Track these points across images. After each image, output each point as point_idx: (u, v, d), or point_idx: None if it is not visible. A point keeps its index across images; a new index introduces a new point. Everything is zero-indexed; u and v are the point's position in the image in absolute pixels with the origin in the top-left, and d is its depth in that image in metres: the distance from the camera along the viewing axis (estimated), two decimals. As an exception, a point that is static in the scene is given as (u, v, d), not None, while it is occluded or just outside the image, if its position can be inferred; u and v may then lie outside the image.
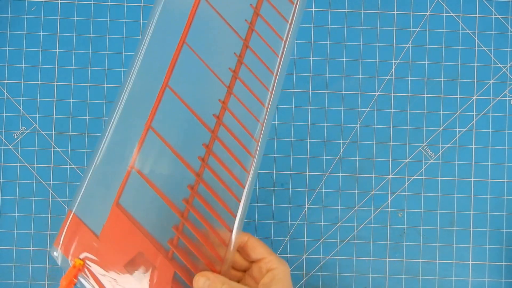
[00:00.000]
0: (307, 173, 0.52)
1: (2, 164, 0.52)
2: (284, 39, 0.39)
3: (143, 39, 0.38)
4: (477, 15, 0.52)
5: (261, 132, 0.39)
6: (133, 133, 0.38)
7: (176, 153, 0.38)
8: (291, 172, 0.52)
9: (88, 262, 0.38)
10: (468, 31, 0.52)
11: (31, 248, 0.51)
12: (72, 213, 0.38)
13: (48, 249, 0.51)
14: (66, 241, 0.38)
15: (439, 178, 0.52)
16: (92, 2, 0.52)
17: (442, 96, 0.52)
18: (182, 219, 0.38)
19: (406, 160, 0.52)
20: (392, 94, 0.52)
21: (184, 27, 0.38)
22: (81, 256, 0.38)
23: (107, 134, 0.38)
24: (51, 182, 0.52)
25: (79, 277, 0.38)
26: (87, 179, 0.38)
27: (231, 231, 0.39)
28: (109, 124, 0.38)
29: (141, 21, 0.52)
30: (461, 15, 0.52)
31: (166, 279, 0.38)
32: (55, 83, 0.52)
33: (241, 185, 0.39)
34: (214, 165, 0.39)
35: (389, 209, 0.52)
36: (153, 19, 0.38)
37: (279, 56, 0.39)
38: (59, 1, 0.52)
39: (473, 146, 0.52)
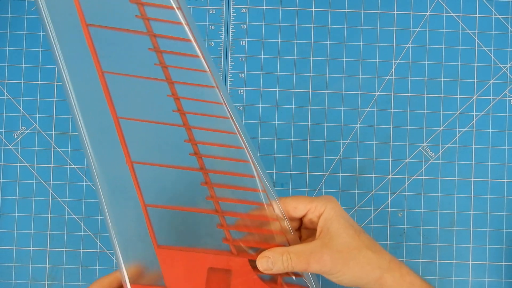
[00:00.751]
0: (307, 173, 0.52)
1: (2, 164, 0.52)
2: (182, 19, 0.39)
3: (60, 71, 0.38)
4: (477, 15, 0.52)
5: (221, 94, 0.39)
6: (123, 175, 0.38)
7: (173, 166, 0.39)
8: (291, 172, 0.52)
9: None
10: (468, 31, 0.52)
11: (31, 248, 0.51)
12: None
13: (48, 249, 0.51)
14: None
15: (439, 178, 0.52)
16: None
17: (442, 96, 0.52)
18: (219, 214, 0.39)
19: (406, 160, 0.52)
20: (392, 94, 0.52)
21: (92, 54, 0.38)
22: None
23: (99, 187, 0.38)
24: (51, 182, 0.52)
25: None
26: (117, 247, 0.38)
27: (270, 204, 0.39)
28: (94, 171, 0.38)
29: (141, 21, 0.52)
30: (461, 15, 0.52)
31: (246, 271, 0.39)
32: (55, 83, 0.52)
33: (244, 161, 0.39)
34: (207, 152, 0.39)
35: (389, 209, 0.52)
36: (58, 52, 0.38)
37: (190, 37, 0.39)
38: (59, 1, 0.52)
39: (473, 146, 0.52)
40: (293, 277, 0.40)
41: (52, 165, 0.52)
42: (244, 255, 0.39)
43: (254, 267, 0.39)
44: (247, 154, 0.39)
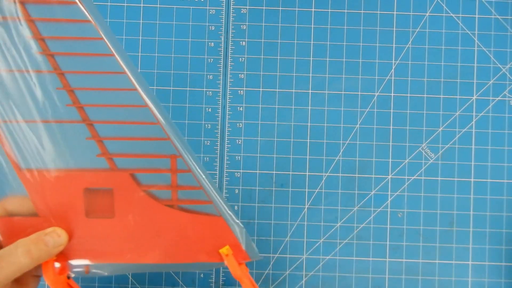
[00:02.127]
0: (307, 173, 0.52)
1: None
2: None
3: None
4: (476, 16, 0.52)
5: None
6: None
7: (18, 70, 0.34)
8: (291, 172, 0.52)
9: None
10: (467, 31, 0.52)
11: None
12: None
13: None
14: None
15: (439, 178, 0.52)
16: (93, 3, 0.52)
17: (442, 96, 0.52)
18: (86, 123, 0.35)
19: (406, 160, 0.52)
20: (392, 94, 0.52)
21: None
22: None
23: None
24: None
25: (70, 273, 0.36)
26: None
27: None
28: None
29: (141, 21, 0.52)
30: (460, 15, 0.53)
31: (130, 187, 0.35)
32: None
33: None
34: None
35: (389, 209, 0.52)
36: None
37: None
38: (59, 1, 0.52)
39: (473, 147, 0.52)
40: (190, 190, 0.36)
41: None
42: (125, 170, 0.35)
43: (140, 184, 0.35)
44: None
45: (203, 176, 0.36)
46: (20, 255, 0.32)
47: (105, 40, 0.35)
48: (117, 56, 0.35)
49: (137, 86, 0.35)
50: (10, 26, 0.34)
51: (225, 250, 0.36)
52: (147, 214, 0.35)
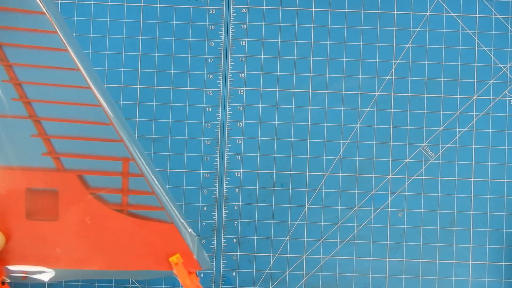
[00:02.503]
0: (307, 173, 0.52)
1: None
2: None
3: None
4: (477, 15, 0.52)
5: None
6: None
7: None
8: (291, 172, 0.52)
9: None
10: (468, 31, 0.52)
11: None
12: None
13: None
14: None
15: (439, 178, 0.52)
16: (92, 2, 0.52)
17: (442, 96, 0.52)
18: (33, 119, 0.32)
19: (406, 160, 0.52)
20: (392, 94, 0.52)
21: None
22: None
23: None
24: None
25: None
26: None
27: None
28: None
29: (141, 21, 0.52)
30: (461, 15, 0.52)
31: (77, 189, 0.32)
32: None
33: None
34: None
35: (389, 209, 0.52)
36: None
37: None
38: (59, 1, 0.52)
39: (473, 146, 0.52)
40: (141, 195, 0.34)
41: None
42: (72, 170, 0.32)
43: (89, 186, 0.33)
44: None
45: (156, 181, 0.34)
46: None
47: (59, 33, 0.32)
48: (70, 51, 0.32)
49: (90, 84, 0.33)
50: None
51: (175, 259, 0.34)
52: (93, 218, 0.33)
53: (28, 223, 0.33)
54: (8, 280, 0.33)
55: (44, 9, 0.32)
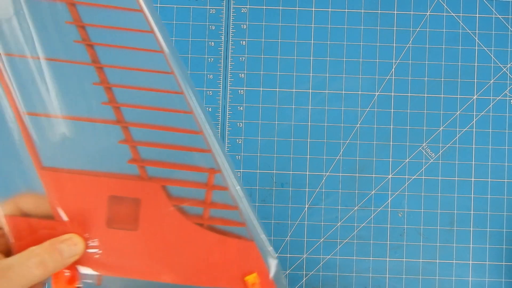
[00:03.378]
0: (307, 173, 0.52)
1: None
2: None
3: None
4: (477, 15, 0.52)
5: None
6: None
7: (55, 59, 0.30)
8: (291, 172, 0.52)
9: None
10: (468, 31, 0.52)
11: (32, 248, 0.51)
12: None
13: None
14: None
15: (439, 178, 0.52)
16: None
17: (442, 96, 0.52)
18: (121, 125, 0.31)
19: (406, 160, 0.52)
20: (392, 94, 0.52)
21: None
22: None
23: None
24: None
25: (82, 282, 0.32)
26: None
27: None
28: None
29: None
30: (461, 15, 0.52)
31: (159, 200, 0.31)
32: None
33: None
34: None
35: (389, 209, 0.52)
36: None
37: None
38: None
39: (473, 146, 0.52)
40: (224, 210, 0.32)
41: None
42: (157, 180, 0.31)
43: (171, 196, 0.31)
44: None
45: (241, 196, 0.32)
46: (32, 267, 0.28)
47: (156, 34, 0.30)
48: (166, 52, 0.31)
49: (183, 89, 0.31)
50: (44, 6, 0.30)
51: (251, 278, 0.32)
52: (173, 230, 0.32)
53: (108, 231, 0.32)
54: (82, 286, 0.32)
55: (144, 6, 0.30)
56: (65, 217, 0.31)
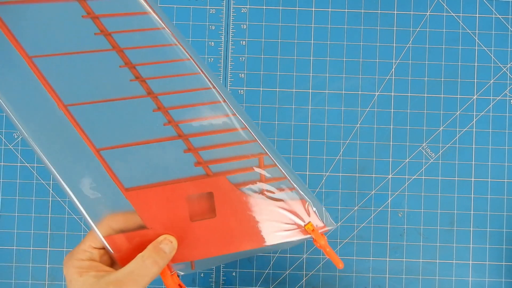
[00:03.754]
0: (307, 173, 0.52)
1: (2, 164, 0.52)
2: None
3: None
4: (477, 15, 0.52)
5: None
6: (57, 123, 0.37)
7: (113, 99, 0.37)
8: (291, 172, 0.52)
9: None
10: (468, 31, 0.52)
11: (31, 248, 0.51)
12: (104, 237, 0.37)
13: (48, 248, 0.51)
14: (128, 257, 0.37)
15: (439, 178, 0.52)
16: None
17: (442, 96, 0.52)
18: (183, 138, 0.38)
19: (406, 160, 0.52)
20: (392, 94, 0.52)
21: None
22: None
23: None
24: (51, 182, 0.52)
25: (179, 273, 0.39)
26: (80, 207, 0.37)
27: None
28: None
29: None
30: (461, 15, 0.52)
31: (228, 187, 0.39)
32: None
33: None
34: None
35: (389, 209, 0.52)
36: None
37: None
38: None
39: (473, 146, 0.52)
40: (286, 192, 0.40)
41: (52, 165, 0.52)
42: (221, 173, 0.39)
43: (235, 183, 0.39)
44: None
45: (285, 168, 0.40)
46: (150, 266, 0.36)
47: (192, 59, 0.38)
48: (203, 72, 0.39)
49: (225, 99, 0.39)
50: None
51: (310, 226, 0.40)
52: (244, 207, 0.39)
53: (193, 224, 0.39)
54: (182, 273, 0.40)
55: (174, 39, 0.38)
56: (156, 224, 0.38)
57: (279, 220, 0.40)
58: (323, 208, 0.41)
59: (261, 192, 0.40)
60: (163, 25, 0.38)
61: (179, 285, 0.39)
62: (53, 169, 0.37)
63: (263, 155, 0.40)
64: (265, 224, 0.40)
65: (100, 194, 0.37)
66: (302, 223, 0.40)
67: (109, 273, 0.35)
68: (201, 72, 0.38)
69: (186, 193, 0.38)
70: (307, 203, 0.40)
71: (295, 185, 0.40)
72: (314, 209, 0.41)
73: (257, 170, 0.39)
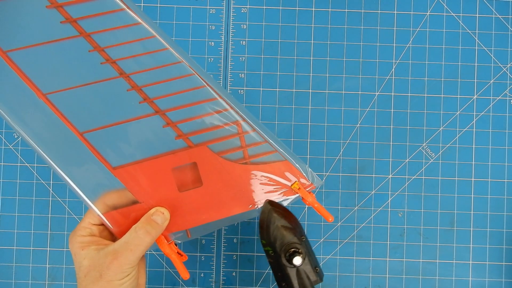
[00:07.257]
0: (307, 173, 0.52)
1: (2, 164, 0.52)
2: None
3: None
4: (477, 15, 0.52)
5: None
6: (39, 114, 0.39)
7: (90, 83, 0.39)
8: (291, 172, 0.52)
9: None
10: (468, 31, 0.52)
11: (31, 248, 0.51)
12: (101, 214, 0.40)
13: (48, 248, 0.51)
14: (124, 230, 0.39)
15: (439, 178, 0.52)
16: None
17: (442, 96, 0.52)
18: (160, 114, 0.40)
19: (406, 160, 0.52)
20: (392, 94, 0.52)
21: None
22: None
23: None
24: (51, 182, 0.52)
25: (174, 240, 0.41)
26: (76, 189, 0.40)
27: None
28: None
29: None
30: (461, 14, 0.52)
31: (210, 156, 0.40)
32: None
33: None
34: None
35: (389, 209, 0.52)
36: None
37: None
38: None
39: (473, 146, 0.52)
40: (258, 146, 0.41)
41: (52, 165, 0.52)
42: (202, 143, 0.40)
43: (216, 152, 0.40)
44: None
45: (264, 132, 0.41)
46: (142, 237, 0.38)
47: (158, 37, 0.40)
48: (170, 48, 0.40)
49: (195, 71, 0.40)
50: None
51: (296, 185, 0.42)
52: (228, 174, 0.41)
53: (181, 195, 0.41)
54: (179, 241, 0.42)
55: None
56: (147, 198, 0.40)
57: (265, 182, 0.42)
58: (307, 167, 0.42)
59: (244, 157, 0.41)
60: (123, 5, 0.39)
61: (178, 252, 0.41)
62: (47, 157, 0.39)
63: (240, 122, 0.41)
64: (251, 187, 0.41)
65: (92, 175, 0.39)
66: (289, 183, 0.42)
67: (107, 246, 0.38)
68: (168, 47, 0.40)
69: (171, 165, 0.40)
70: (293, 162, 0.42)
71: (276, 146, 0.41)
72: (297, 166, 0.42)
73: (236, 136, 0.41)
